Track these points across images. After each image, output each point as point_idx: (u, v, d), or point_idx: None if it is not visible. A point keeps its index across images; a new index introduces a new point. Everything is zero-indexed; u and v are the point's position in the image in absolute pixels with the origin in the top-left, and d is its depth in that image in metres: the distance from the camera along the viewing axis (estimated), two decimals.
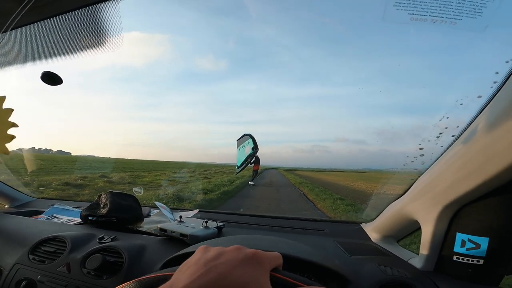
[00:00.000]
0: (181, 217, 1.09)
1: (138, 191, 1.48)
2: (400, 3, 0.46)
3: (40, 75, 0.69)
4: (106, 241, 0.93)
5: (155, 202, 1.26)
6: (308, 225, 1.23)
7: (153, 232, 1.08)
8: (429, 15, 0.46)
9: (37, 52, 0.71)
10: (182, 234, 0.93)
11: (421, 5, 0.46)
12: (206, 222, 1.02)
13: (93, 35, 0.63)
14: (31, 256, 0.87)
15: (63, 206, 1.37)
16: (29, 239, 0.95)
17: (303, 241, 1.06)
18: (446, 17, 0.46)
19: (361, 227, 1.18)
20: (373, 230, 1.09)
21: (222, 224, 1.10)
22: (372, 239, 1.07)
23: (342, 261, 0.84)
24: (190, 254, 0.51)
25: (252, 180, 10.74)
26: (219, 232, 1.06)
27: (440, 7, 0.46)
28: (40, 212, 1.33)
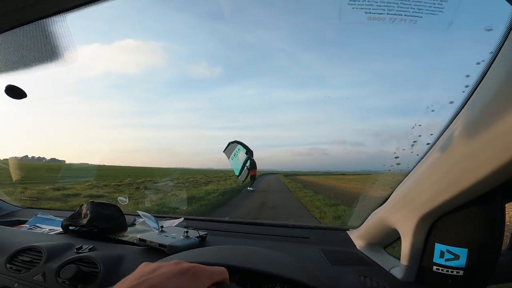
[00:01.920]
0: (162, 226, 1.07)
1: (123, 200, 1.46)
2: (355, 1, 0.44)
3: (4, 88, 0.69)
4: (83, 251, 0.91)
5: (138, 212, 1.24)
6: (294, 232, 1.21)
7: (134, 241, 1.06)
8: (387, 13, 0.43)
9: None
10: (160, 245, 0.91)
11: (377, 2, 0.43)
12: (187, 232, 1.00)
13: (53, 48, 0.62)
14: (8, 265, 0.87)
15: (46, 216, 1.35)
16: (7, 248, 0.94)
17: (287, 249, 1.04)
18: (405, 15, 0.43)
19: (347, 234, 1.16)
20: (358, 238, 1.07)
21: (205, 233, 1.08)
22: (357, 246, 1.05)
23: (323, 272, 0.82)
24: None
25: (250, 186, 10.43)
26: (201, 242, 1.04)
27: (397, 3, 0.43)
28: (24, 222, 1.31)
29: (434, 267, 0.68)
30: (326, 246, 1.05)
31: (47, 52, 0.67)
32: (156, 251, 0.91)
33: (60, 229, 1.17)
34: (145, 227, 1.25)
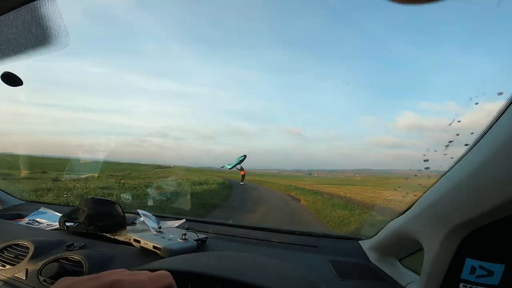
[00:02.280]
0: (160, 227, 1.00)
1: (126, 198, 1.41)
2: None
3: None
4: (73, 248, 0.86)
5: (138, 210, 1.18)
6: (301, 240, 1.11)
7: (130, 242, 1.00)
8: None
9: None
10: (155, 247, 0.84)
11: None
12: (185, 235, 0.92)
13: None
14: None
15: (47, 211, 1.32)
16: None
17: (292, 258, 0.95)
18: None
19: (359, 244, 1.06)
20: (371, 248, 0.97)
21: (205, 236, 1.01)
22: (370, 258, 0.95)
23: (329, 286, 0.75)
24: (153, 270, 0.48)
25: (242, 181, 14.39)
26: (200, 245, 0.97)
27: None
28: (24, 216, 1.28)
29: (461, 284, 0.57)
30: (335, 257, 0.96)
31: (38, 36, 0.62)
32: (150, 253, 0.84)
33: (58, 225, 1.13)
34: (145, 227, 1.19)
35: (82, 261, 0.74)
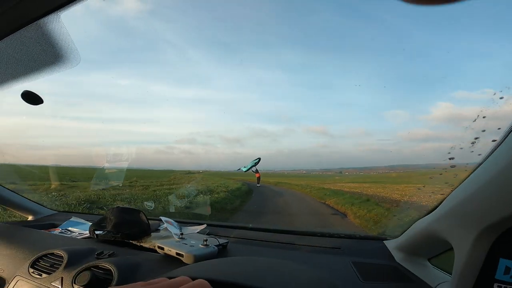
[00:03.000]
0: (182, 233, 1.02)
1: (149, 206, 1.45)
2: None
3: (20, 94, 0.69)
4: (103, 256, 0.90)
5: (161, 217, 1.22)
6: (323, 242, 1.09)
7: (154, 248, 1.03)
8: None
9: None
10: (178, 253, 0.86)
11: None
12: (206, 240, 0.94)
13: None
14: (31, 270, 0.88)
15: (78, 220, 1.39)
16: (34, 252, 0.96)
17: (314, 261, 0.93)
18: None
19: (384, 244, 1.03)
20: (397, 248, 0.93)
21: (226, 241, 1.02)
22: (396, 258, 0.91)
23: None
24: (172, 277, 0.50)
25: (258, 183, 15.08)
26: (221, 250, 0.98)
27: None
28: (57, 225, 1.36)
29: (496, 285, 0.54)
30: (358, 258, 0.93)
31: (47, 55, 0.65)
32: (173, 260, 0.86)
33: (88, 233, 1.20)
34: (168, 233, 1.23)
35: (112, 269, 0.78)
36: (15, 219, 1.55)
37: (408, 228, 0.90)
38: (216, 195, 8.18)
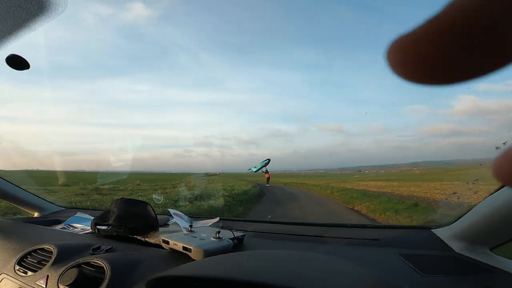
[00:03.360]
0: (191, 226, 0.89)
1: (157, 199, 1.33)
2: None
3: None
4: (99, 252, 0.77)
5: (169, 210, 1.09)
6: (356, 234, 0.92)
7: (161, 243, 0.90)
8: None
9: None
10: (185, 247, 0.72)
11: None
12: (219, 233, 0.79)
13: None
14: (16, 267, 0.77)
15: (84, 215, 1.29)
16: (25, 247, 0.86)
17: (351, 255, 0.77)
18: None
19: (433, 233, 0.86)
20: (453, 237, 0.77)
21: (242, 234, 0.87)
22: (454, 248, 0.75)
23: (416, 285, 0.58)
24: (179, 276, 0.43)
25: (267, 183, 14.80)
26: (237, 245, 0.83)
27: None
28: (61, 221, 1.27)
29: None
30: (405, 250, 0.77)
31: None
32: (181, 256, 0.73)
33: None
34: (178, 228, 1.10)
35: (104, 266, 0.65)
36: (20, 216, 1.48)
37: (465, 213, 0.73)
38: (212, 201, 6.57)
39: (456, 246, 0.75)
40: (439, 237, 0.82)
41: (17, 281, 0.72)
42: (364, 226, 0.99)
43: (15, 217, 1.42)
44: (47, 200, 1.48)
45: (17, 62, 0.65)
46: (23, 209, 1.41)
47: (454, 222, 0.79)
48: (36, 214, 1.40)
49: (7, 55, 0.65)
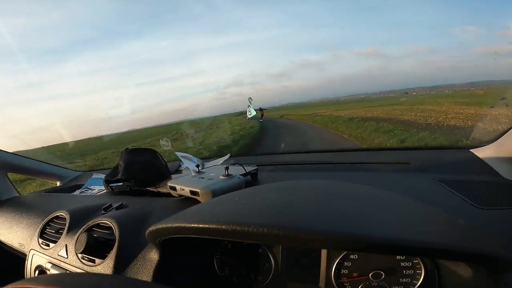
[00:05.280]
0: (198, 166, 0.80)
1: (165, 144, 1.26)
2: None
3: None
4: (110, 210, 0.73)
5: (176, 153, 1.02)
6: (383, 158, 0.79)
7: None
8: None
9: None
10: (192, 191, 0.65)
11: None
12: (228, 169, 0.70)
13: None
14: (40, 240, 0.75)
15: (99, 176, 1.28)
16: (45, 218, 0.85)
17: (382, 183, 0.65)
18: None
19: (473, 153, 0.72)
20: (499, 156, 0.64)
21: (255, 168, 0.78)
22: (501, 173, 0.62)
23: (475, 221, 0.47)
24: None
25: (261, 119, 15.65)
26: (252, 181, 0.75)
27: None
28: (81, 186, 1.27)
29: None
30: (443, 175, 0.64)
31: None
32: (192, 202, 0.66)
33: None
34: (189, 173, 1.04)
35: (112, 226, 0.59)
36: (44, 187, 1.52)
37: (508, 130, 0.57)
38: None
39: (503, 169, 0.61)
40: (480, 159, 0.68)
41: (44, 255, 0.70)
42: (389, 149, 0.85)
43: (40, 190, 1.45)
44: (65, 167, 1.49)
45: None
46: (45, 180, 1.44)
47: (498, 138, 0.64)
48: (58, 183, 1.43)
49: None
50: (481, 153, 0.70)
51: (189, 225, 0.36)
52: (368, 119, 11.13)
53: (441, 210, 0.39)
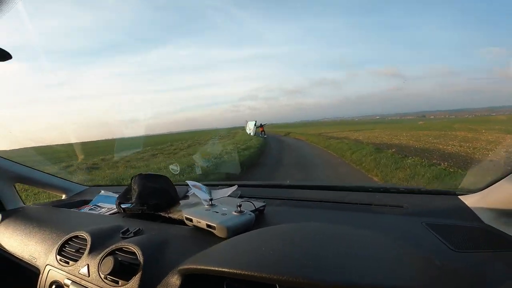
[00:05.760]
0: (211, 199, 0.89)
1: (174, 169, 1.34)
2: None
3: None
4: (128, 235, 0.80)
5: (187, 182, 1.10)
6: (378, 199, 0.90)
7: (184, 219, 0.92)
8: None
9: None
10: (208, 225, 0.73)
11: None
12: (240, 206, 0.79)
13: None
14: (58, 257, 0.81)
15: (108, 194, 1.34)
16: (62, 236, 0.90)
17: (376, 224, 0.75)
18: None
19: (461, 200, 0.82)
20: (483, 206, 0.72)
21: (263, 204, 0.87)
22: (483, 219, 0.71)
23: (446, 260, 0.55)
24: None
25: (264, 135, 18.25)
26: (258, 216, 0.84)
27: None
28: (89, 201, 1.32)
29: None
30: (430, 219, 0.73)
31: None
32: (205, 232, 0.74)
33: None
34: (198, 200, 1.12)
35: (137, 252, 0.67)
36: (45, 199, 1.56)
37: (501, 179, 0.68)
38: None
39: (486, 216, 0.70)
40: (466, 205, 0.78)
41: (62, 272, 0.76)
42: (386, 190, 0.96)
43: (45, 202, 1.49)
44: (72, 181, 1.54)
45: None
46: (51, 192, 1.49)
47: (486, 187, 0.74)
48: (63, 196, 1.47)
49: None
50: (468, 200, 0.80)
51: (223, 269, 0.45)
52: (390, 147, 9.25)
53: (420, 252, 0.49)
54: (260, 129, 18.83)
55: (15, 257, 1.02)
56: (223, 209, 0.81)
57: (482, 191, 0.75)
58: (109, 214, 1.12)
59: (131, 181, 1.12)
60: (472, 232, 0.66)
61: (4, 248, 1.06)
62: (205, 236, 0.73)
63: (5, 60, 0.64)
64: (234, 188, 1.10)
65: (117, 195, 1.33)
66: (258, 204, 0.87)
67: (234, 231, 0.70)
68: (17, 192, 1.33)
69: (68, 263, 0.77)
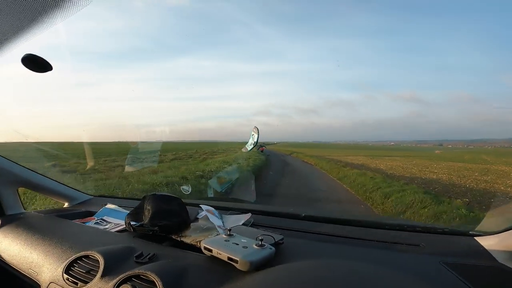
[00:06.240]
0: (230, 230, 0.88)
1: (186, 190, 1.33)
2: None
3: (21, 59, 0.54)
4: (143, 260, 0.78)
5: (201, 205, 1.09)
6: (394, 237, 0.91)
7: (198, 246, 0.90)
8: None
9: None
10: (230, 258, 0.72)
11: None
12: (262, 240, 0.78)
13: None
14: (65, 276, 0.77)
15: (113, 207, 1.31)
16: (69, 252, 0.87)
17: (394, 262, 0.75)
18: None
19: (477, 241, 0.83)
20: (500, 246, 0.74)
21: (281, 237, 0.87)
22: (498, 259, 0.73)
23: None
24: None
25: (265, 153, 18.49)
26: (277, 247, 0.83)
27: None
28: (93, 213, 1.29)
29: None
30: (448, 258, 0.74)
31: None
32: (224, 263, 0.72)
33: (124, 225, 1.10)
34: (209, 224, 1.10)
35: (156, 281, 0.65)
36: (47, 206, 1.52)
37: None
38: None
39: (501, 257, 0.72)
40: (482, 246, 0.79)
41: None
42: (402, 228, 0.97)
43: (47, 209, 1.45)
44: (75, 189, 1.50)
45: (34, 63, 0.59)
46: (54, 199, 1.45)
47: (503, 231, 0.76)
48: (66, 204, 1.43)
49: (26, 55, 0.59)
50: (484, 241, 0.81)
51: None
52: (430, 183, 7.53)
53: None
54: (261, 149, 18.83)
55: (11, 267, 0.97)
56: (243, 240, 0.80)
57: (500, 234, 0.77)
58: (116, 231, 1.09)
59: (143, 199, 1.11)
60: (492, 273, 0.68)
61: (1, 257, 1.02)
62: (224, 268, 0.71)
63: (46, 71, 0.64)
64: (248, 216, 1.09)
65: (122, 209, 1.31)
66: (277, 237, 0.86)
67: (256, 265, 0.69)
68: (19, 197, 1.29)
69: (76, 284, 0.74)
